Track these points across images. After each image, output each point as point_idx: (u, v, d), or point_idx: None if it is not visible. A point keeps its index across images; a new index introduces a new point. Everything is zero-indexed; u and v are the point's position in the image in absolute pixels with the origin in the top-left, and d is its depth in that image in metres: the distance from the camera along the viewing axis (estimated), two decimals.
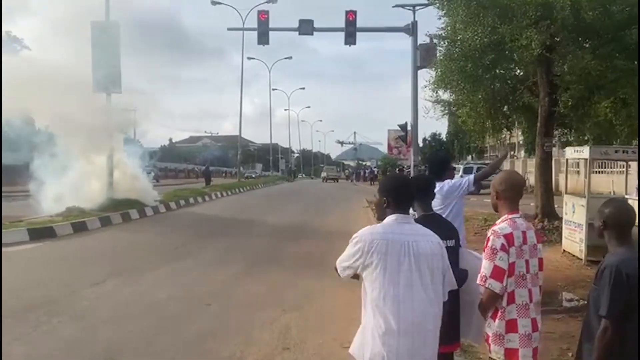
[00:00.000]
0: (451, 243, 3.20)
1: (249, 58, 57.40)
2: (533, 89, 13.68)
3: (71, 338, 5.64)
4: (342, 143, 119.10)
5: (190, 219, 17.89)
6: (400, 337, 2.58)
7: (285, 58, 63.91)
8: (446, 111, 16.18)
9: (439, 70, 13.15)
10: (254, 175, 51.55)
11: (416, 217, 3.20)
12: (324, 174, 62.57)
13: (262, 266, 9.61)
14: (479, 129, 15.28)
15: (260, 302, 7.21)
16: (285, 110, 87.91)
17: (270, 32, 19.42)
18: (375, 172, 56.57)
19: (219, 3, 36.47)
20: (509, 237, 2.87)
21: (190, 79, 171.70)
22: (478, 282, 2.90)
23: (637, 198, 8.82)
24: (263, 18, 19.37)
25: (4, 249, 10.90)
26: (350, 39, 19.71)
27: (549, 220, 12.99)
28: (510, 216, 2.98)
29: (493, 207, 3.14)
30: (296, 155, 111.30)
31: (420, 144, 55.07)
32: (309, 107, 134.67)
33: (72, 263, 10.02)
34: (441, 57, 13.34)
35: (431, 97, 14.92)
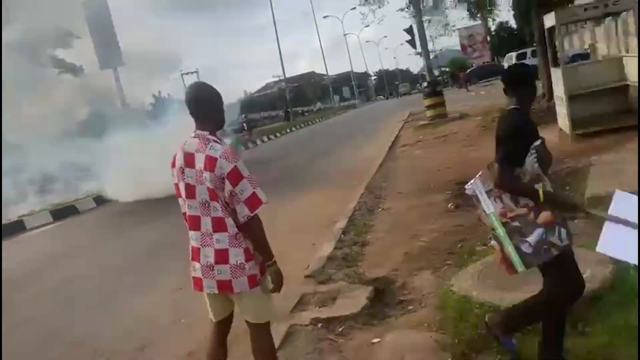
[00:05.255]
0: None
1: None
2: None
3: None
4: (420, 54, 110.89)
5: None
6: None
7: None
8: None
9: None
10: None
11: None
12: (400, 90, 72.25)
13: None
14: None
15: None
16: (345, 35, 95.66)
17: None
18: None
19: None
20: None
21: (250, 27, 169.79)
22: None
23: None
24: None
25: None
26: None
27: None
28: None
29: None
30: (374, 77, 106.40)
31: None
32: (367, 26, 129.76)
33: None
34: None
35: None
